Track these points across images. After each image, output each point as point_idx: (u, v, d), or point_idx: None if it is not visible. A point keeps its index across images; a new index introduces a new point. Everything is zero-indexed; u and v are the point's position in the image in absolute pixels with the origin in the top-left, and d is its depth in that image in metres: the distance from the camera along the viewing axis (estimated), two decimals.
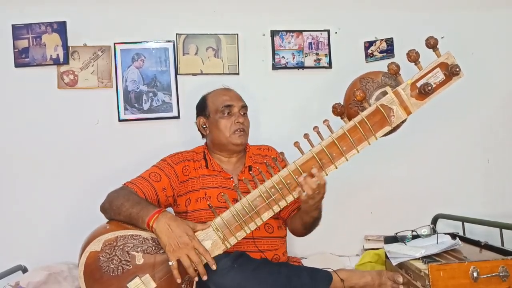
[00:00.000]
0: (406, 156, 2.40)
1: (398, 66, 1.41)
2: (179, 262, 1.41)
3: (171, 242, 1.41)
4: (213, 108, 1.79)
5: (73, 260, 1.55)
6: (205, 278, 1.41)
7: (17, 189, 2.21)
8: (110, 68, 2.28)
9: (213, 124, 1.78)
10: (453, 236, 1.77)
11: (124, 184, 1.66)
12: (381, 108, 1.43)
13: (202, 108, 1.84)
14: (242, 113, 1.79)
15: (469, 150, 2.42)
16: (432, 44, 1.40)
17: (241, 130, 1.75)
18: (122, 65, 2.28)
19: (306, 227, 1.72)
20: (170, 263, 1.40)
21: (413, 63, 1.42)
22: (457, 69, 1.39)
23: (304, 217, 1.65)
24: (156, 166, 1.74)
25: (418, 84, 1.42)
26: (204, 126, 1.83)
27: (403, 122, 1.47)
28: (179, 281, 1.41)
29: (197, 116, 1.87)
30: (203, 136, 1.88)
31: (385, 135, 1.47)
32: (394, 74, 1.42)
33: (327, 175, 1.46)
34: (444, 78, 1.42)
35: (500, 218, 1.94)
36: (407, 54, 1.41)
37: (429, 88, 1.39)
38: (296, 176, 1.45)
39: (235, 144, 1.75)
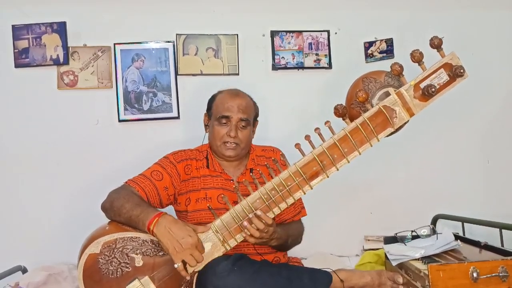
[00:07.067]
0: (406, 156, 2.40)
1: (401, 67, 1.38)
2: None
3: (174, 245, 1.40)
4: (215, 112, 1.75)
5: (73, 260, 1.54)
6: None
7: (17, 189, 2.22)
8: (110, 68, 2.28)
9: (210, 127, 1.78)
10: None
11: (126, 182, 1.65)
12: (383, 110, 1.41)
13: (209, 107, 1.81)
14: (240, 126, 1.71)
15: (469, 151, 2.42)
16: (436, 44, 1.37)
17: (232, 143, 1.70)
18: (122, 65, 2.28)
19: (280, 249, 1.73)
20: (175, 265, 1.39)
21: (417, 64, 1.39)
22: (462, 70, 1.36)
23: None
24: (158, 164, 1.73)
25: (422, 85, 1.39)
26: (207, 124, 1.83)
27: (405, 123, 1.46)
28: (188, 278, 1.42)
29: (206, 110, 1.84)
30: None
31: (387, 135, 1.46)
32: (397, 74, 1.40)
33: (328, 177, 1.45)
34: (448, 79, 1.39)
35: (500, 218, 1.94)
36: (411, 54, 1.38)
37: (433, 90, 1.36)
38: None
39: (223, 154, 1.72)
